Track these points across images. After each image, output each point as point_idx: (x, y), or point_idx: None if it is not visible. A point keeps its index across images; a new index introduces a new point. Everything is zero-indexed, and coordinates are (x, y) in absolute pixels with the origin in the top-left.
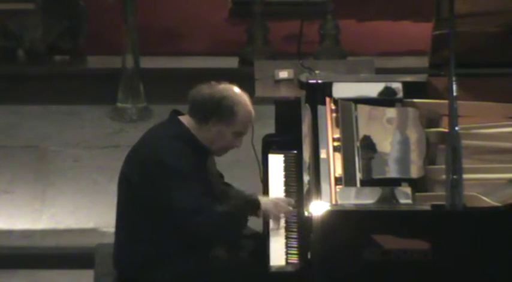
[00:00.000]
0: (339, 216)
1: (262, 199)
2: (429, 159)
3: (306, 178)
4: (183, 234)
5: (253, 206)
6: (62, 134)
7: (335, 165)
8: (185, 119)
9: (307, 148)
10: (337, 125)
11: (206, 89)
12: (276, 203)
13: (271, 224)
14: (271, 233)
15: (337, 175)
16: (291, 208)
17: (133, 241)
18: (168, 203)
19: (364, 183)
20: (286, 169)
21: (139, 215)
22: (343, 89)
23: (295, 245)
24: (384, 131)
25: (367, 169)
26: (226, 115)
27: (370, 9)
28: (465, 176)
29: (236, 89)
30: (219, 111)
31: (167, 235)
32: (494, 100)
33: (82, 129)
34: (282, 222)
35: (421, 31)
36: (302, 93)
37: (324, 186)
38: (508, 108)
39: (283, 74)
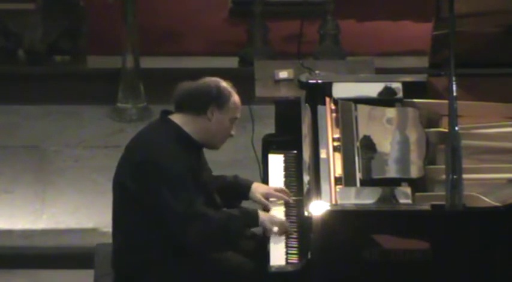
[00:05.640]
0: (339, 216)
1: (261, 213)
2: (429, 159)
3: (306, 178)
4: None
5: (251, 219)
6: (62, 134)
7: (335, 165)
8: (176, 117)
9: (307, 148)
10: (337, 125)
11: (193, 84)
12: (270, 217)
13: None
14: None
15: (337, 175)
16: (286, 224)
17: (130, 244)
18: (161, 207)
19: (364, 183)
20: (286, 169)
21: (135, 218)
22: (343, 89)
23: (295, 245)
24: (384, 131)
25: (367, 169)
26: (225, 100)
27: (370, 9)
28: (465, 176)
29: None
30: (219, 97)
31: (164, 237)
32: (494, 100)
33: (82, 129)
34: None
35: (421, 31)
36: (302, 93)
37: (324, 186)
38: (508, 108)
39: (283, 74)
